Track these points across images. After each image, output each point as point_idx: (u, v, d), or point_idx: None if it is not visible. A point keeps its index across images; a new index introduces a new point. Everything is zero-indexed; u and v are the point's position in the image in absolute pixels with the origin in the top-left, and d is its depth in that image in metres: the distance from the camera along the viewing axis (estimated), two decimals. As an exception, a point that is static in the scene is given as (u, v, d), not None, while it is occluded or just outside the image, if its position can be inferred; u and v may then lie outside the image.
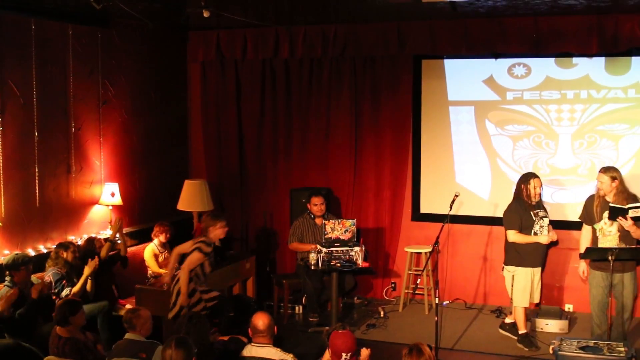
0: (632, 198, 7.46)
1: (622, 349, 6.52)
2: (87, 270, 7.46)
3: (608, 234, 7.49)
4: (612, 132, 9.11)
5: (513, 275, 8.13)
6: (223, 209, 10.35)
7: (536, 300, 8.26)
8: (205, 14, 7.65)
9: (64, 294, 7.24)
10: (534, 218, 8.00)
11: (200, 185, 9.43)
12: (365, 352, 5.60)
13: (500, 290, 9.48)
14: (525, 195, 7.99)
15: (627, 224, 7.19)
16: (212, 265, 7.72)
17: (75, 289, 7.30)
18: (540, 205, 8.10)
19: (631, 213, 7.16)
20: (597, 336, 7.46)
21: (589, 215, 7.69)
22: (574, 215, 8.58)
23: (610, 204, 7.35)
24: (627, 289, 7.54)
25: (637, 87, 8.96)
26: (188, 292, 7.39)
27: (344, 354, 5.33)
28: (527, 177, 8.05)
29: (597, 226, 7.55)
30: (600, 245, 7.50)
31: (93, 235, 8.43)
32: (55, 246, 7.73)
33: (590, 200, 7.76)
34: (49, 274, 7.33)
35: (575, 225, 8.45)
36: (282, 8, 8.63)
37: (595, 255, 7.74)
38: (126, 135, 9.30)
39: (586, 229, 7.76)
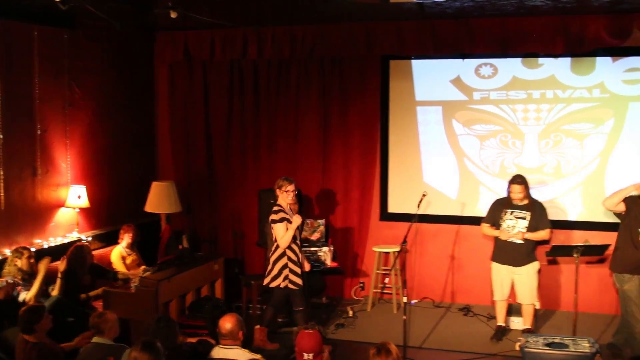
0: None
1: (587, 344, 6.60)
2: (41, 270, 7.34)
3: None
4: (578, 132, 9.21)
5: None
6: (191, 211, 10.32)
7: (517, 299, 8.37)
8: (173, 15, 7.61)
9: (20, 298, 7.13)
10: (503, 215, 8.11)
11: (167, 186, 9.40)
12: (327, 349, 5.59)
13: (467, 289, 9.58)
14: (509, 195, 8.14)
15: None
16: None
17: (30, 294, 7.15)
18: (527, 207, 8.14)
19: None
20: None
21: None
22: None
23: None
24: None
25: (602, 87, 9.06)
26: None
27: (305, 354, 5.34)
28: (509, 182, 8.17)
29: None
30: None
31: (81, 241, 8.35)
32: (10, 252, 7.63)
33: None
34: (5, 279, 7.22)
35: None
36: (249, 9, 8.61)
37: (561, 253, 7.85)
38: (93, 137, 9.23)
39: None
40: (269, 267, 7.91)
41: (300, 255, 7.88)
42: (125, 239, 8.77)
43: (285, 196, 7.84)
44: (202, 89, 10.34)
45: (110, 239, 9.09)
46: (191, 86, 10.38)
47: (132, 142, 10.08)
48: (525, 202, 8.11)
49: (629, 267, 7.38)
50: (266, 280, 7.93)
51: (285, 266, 7.80)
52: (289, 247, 7.79)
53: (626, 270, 7.40)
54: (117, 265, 8.64)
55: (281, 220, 7.74)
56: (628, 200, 7.40)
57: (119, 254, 8.71)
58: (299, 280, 7.84)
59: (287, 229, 7.70)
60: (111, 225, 9.32)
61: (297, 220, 7.72)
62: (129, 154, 9.98)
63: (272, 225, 7.78)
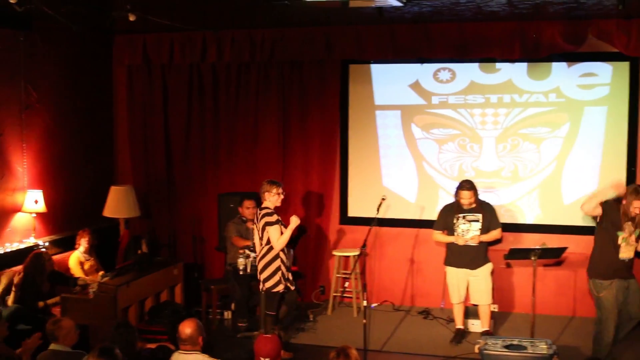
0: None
1: (545, 346, 6.68)
2: (2, 281, 7.28)
3: (632, 244, 7.26)
4: (534, 136, 9.32)
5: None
6: (150, 215, 10.25)
7: (473, 301, 8.45)
8: (131, 18, 7.56)
9: None
10: (456, 221, 8.20)
11: (126, 191, 9.33)
12: (286, 355, 5.58)
13: (427, 292, 9.63)
14: (459, 201, 8.22)
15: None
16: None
17: None
18: (477, 209, 8.23)
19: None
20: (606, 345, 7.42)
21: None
22: (499, 217, 8.75)
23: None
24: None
25: (558, 91, 9.19)
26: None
27: (261, 358, 5.34)
28: (457, 188, 8.25)
29: (619, 234, 7.26)
30: (621, 253, 7.24)
31: (40, 249, 8.24)
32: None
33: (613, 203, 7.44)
34: None
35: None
36: (209, 12, 8.59)
37: (519, 256, 7.94)
38: (50, 140, 9.13)
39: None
40: (259, 270, 7.88)
41: (289, 259, 7.98)
42: (83, 244, 8.68)
43: (277, 199, 7.85)
44: (161, 92, 10.28)
45: (68, 245, 8.99)
46: (150, 90, 10.31)
47: (90, 146, 9.98)
48: (474, 204, 8.21)
49: (609, 272, 7.26)
50: (267, 285, 7.82)
51: (278, 269, 7.79)
52: (282, 250, 7.81)
53: (605, 275, 7.27)
54: (75, 270, 8.55)
55: (277, 222, 7.75)
56: (604, 205, 7.30)
57: (76, 260, 8.61)
58: (289, 285, 7.89)
59: (281, 232, 7.71)
60: (69, 231, 9.20)
61: (295, 221, 7.74)
62: (87, 157, 9.87)
63: (268, 227, 7.72)
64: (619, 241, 7.18)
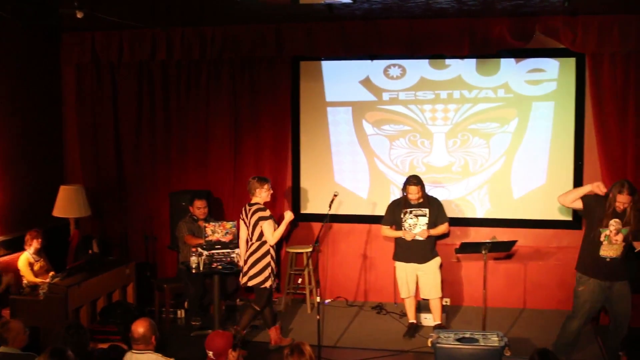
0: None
1: (496, 338, 6.75)
2: None
3: (615, 242, 7.02)
4: (484, 131, 9.43)
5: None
6: (101, 215, 10.13)
7: (423, 295, 8.52)
8: (79, 15, 7.46)
9: None
10: (404, 216, 8.28)
11: (76, 190, 9.21)
12: (233, 354, 5.57)
13: (380, 287, 9.69)
14: (407, 196, 8.27)
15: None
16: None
17: None
18: (424, 204, 8.31)
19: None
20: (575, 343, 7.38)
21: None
22: (450, 212, 8.85)
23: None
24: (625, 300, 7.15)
25: (506, 87, 9.31)
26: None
27: (209, 352, 5.37)
28: (405, 184, 8.32)
29: (602, 231, 7.03)
30: (601, 250, 7.02)
31: None
32: None
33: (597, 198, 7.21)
34: None
35: (452, 222, 8.70)
36: (158, 9, 8.52)
37: (470, 250, 8.02)
38: (-3, 140, 8.98)
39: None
40: (247, 266, 7.98)
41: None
42: (32, 245, 8.54)
43: (267, 195, 8.01)
44: (110, 90, 10.16)
45: (17, 246, 8.83)
46: (99, 88, 10.19)
47: (39, 145, 9.83)
48: (422, 199, 8.29)
49: (589, 269, 7.15)
50: (244, 279, 8.00)
51: (268, 265, 7.93)
52: (272, 247, 7.97)
53: (586, 271, 7.17)
54: (25, 272, 8.39)
55: (270, 217, 7.90)
56: (590, 199, 7.12)
57: (26, 261, 8.46)
58: (275, 281, 8.08)
59: (274, 227, 7.88)
60: (18, 231, 9.03)
61: (290, 216, 7.92)
62: (35, 157, 9.72)
63: (261, 222, 7.85)
64: (602, 238, 7.00)
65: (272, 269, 7.94)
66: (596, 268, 7.09)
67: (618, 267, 7.03)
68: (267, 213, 7.91)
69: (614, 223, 6.96)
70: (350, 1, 7.08)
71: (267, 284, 7.94)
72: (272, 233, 7.85)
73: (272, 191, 8.12)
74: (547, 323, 8.78)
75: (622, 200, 6.84)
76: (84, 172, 10.28)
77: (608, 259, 7.03)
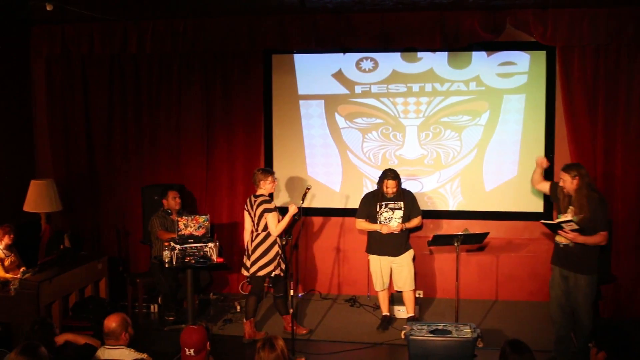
0: (597, 199, 6.90)
1: (469, 330, 6.80)
2: None
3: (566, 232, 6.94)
4: (456, 124, 9.47)
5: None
6: (72, 209, 10.06)
7: (397, 287, 8.56)
8: (48, 8, 7.40)
9: None
10: (379, 209, 8.31)
11: (47, 185, 9.13)
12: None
13: (353, 280, 9.71)
14: (383, 189, 8.28)
15: (570, 236, 6.88)
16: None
17: None
18: (398, 197, 8.34)
19: (566, 227, 6.87)
20: (561, 337, 7.26)
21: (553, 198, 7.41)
22: (422, 204, 8.88)
23: (543, 222, 7.23)
24: (580, 294, 7.02)
25: (478, 80, 9.35)
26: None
27: (187, 349, 5.34)
28: (381, 177, 8.33)
29: (560, 216, 7.08)
30: (556, 237, 7.06)
31: None
32: None
33: (555, 185, 7.35)
34: None
35: (424, 215, 8.73)
36: (129, 1, 8.45)
37: (443, 242, 8.06)
38: (-35, 134, 8.88)
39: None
40: (256, 256, 8.10)
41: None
42: (4, 241, 8.45)
43: (272, 186, 8.14)
44: (81, 83, 10.07)
45: (-13, 241, 8.76)
46: (70, 81, 10.10)
47: (8, 140, 9.74)
48: (396, 193, 8.33)
49: (553, 257, 7.24)
50: (253, 269, 8.11)
51: (277, 254, 8.08)
52: (279, 235, 8.09)
53: (552, 259, 7.24)
54: (-5, 267, 8.34)
55: (275, 208, 8.06)
56: (554, 188, 7.22)
57: (-4, 256, 8.40)
58: (284, 267, 8.19)
59: (278, 219, 8.04)
60: (-13, 227, 8.96)
61: (294, 209, 8.01)
62: (4, 151, 9.63)
63: (266, 214, 8.00)
64: (554, 222, 7.01)
65: (281, 257, 8.10)
66: (555, 255, 7.19)
67: (573, 256, 6.98)
68: (272, 205, 8.05)
69: (570, 210, 6.99)
70: None
71: (277, 272, 8.10)
72: (275, 225, 7.99)
73: (276, 182, 8.26)
74: (519, 314, 8.88)
75: (562, 177, 6.98)
76: (55, 166, 10.19)
77: (561, 245, 7.08)
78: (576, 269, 6.96)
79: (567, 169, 7.00)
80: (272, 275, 8.12)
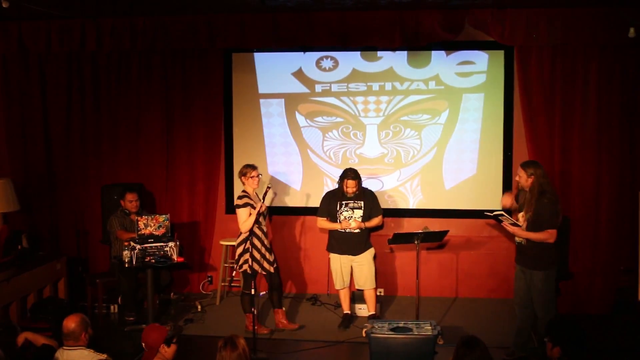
0: (547, 198, 7.03)
1: (429, 327, 6.86)
2: None
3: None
4: (416, 122, 9.53)
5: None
6: (30, 209, 9.93)
7: (357, 285, 8.56)
8: (4, 4, 7.30)
9: None
10: (339, 208, 8.35)
11: (4, 184, 8.99)
12: (165, 349, 5.56)
13: (315, 279, 9.73)
14: (343, 189, 8.31)
15: (509, 229, 7.15)
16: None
17: None
18: (359, 196, 8.36)
19: (504, 220, 7.11)
20: (520, 330, 7.41)
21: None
22: (383, 203, 8.91)
23: (486, 212, 7.35)
24: (536, 289, 7.16)
25: (437, 79, 9.42)
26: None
27: (145, 346, 5.38)
28: (342, 177, 8.35)
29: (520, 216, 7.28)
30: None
31: None
32: None
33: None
34: None
35: (385, 213, 8.76)
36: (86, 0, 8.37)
37: (403, 240, 8.11)
38: None
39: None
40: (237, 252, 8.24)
41: (264, 241, 8.24)
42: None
43: (251, 182, 8.14)
44: (38, 82, 9.95)
45: (-58, 242, 8.62)
46: (27, 79, 9.96)
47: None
48: (357, 192, 8.35)
49: (515, 255, 7.37)
50: (237, 266, 8.30)
51: (246, 250, 8.06)
52: (254, 234, 8.07)
53: (515, 257, 7.37)
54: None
55: (245, 205, 8.02)
56: (518, 193, 7.37)
57: (-48, 257, 8.28)
58: (256, 267, 8.16)
59: (249, 214, 7.98)
60: (-57, 227, 8.83)
61: (258, 207, 8.00)
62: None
63: (236, 210, 8.06)
64: (518, 222, 7.18)
65: (250, 254, 8.04)
66: (517, 255, 7.32)
67: (526, 253, 7.14)
68: (242, 201, 8.06)
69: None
70: None
71: (245, 267, 8.10)
72: (243, 221, 8.00)
73: (257, 179, 8.18)
74: (479, 311, 8.97)
75: (519, 173, 7.17)
76: (11, 165, 10.04)
77: (516, 243, 7.31)
78: (530, 266, 7.11)
79: (525, 166, 7.17)
80: (241, 270, 8.17)
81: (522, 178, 7.11)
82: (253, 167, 8.18)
